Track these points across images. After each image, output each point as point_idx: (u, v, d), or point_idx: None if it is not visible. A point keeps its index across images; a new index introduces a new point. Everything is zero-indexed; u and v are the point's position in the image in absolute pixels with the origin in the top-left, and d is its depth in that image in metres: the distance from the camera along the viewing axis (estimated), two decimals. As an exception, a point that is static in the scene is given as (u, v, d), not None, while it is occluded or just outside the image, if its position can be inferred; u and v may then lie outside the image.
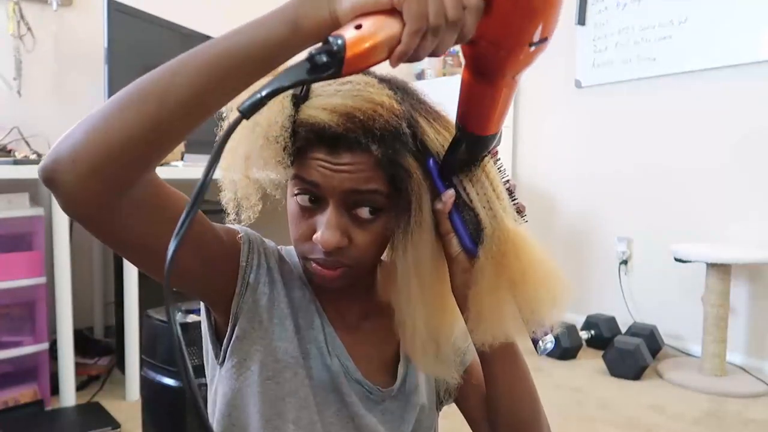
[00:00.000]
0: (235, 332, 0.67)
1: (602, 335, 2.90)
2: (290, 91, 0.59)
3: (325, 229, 0.61)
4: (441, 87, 3.15)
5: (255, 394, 0.68)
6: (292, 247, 0.76)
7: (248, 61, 0.47)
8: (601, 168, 3.25)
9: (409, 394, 0.76)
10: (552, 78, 3.46)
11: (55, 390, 2.08)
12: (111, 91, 2.21)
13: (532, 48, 0.49)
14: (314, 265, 0.64)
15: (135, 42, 2.33)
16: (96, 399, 2.15)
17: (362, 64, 0.44)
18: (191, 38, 2.61)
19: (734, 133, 2.73)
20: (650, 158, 3.03)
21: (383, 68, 0.67)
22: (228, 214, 0.67)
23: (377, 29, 0.43)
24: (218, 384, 0.71)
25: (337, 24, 0.45)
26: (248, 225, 0.69)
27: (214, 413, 0.72)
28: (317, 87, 0.61)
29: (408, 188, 0.61)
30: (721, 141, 2.77)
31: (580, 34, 3.31)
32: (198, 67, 0.47)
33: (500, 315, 0.62)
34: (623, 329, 2.94)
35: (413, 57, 0.45)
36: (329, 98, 0.59)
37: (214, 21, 2.81)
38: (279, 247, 0.76)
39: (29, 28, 2.43)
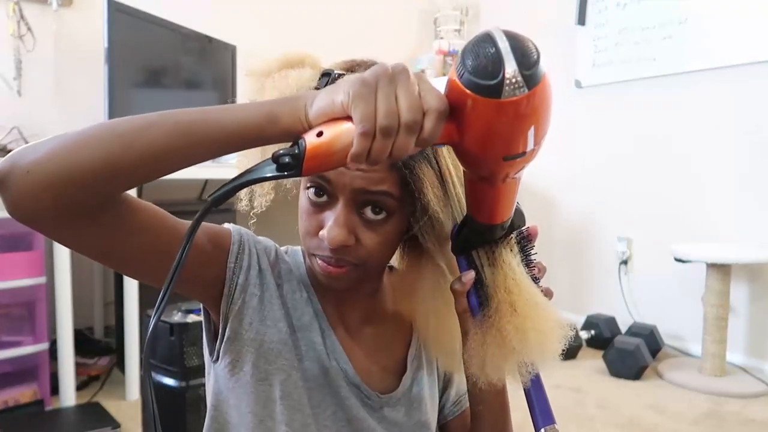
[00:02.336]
0: (226, 333, 0.67)
1: (602, 335, 2.90)
2: (314, 86, 0.62)
3: (333, 225, 0.60)
4: (441, 87, 3.14)
5: (248, 395, 0.68)
6: (299, 248, 0.76)
7: (222, 136, 0.49)
8: (601, 168, 3.25)
9: (411, 410, 0.75)
10: (552, 78, 3.43)
11: (55, 390, 2.08)
12: (111, 91, 2.20)
13: (508, 161, 0.48)
14: (320, 261, 0.64)
15: (135, 42, 2.33)
16: (96, 399, 2.15)
17: (320, 168, 0.48)
18: (191, 38, 2.61)
19: (734, 133, 2.73)
20: (650, 158, 3.03)
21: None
22: (240, 200, 0.68)
23: (335, 137, 0.46)
24: (213, 380, 0.72)
25: (308, 125, 0.48)
26: (260, 213, 0.69)
27: (210, 409, 0.73)
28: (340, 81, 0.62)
29: (422, 194, 0.60)
30: (721, 141, 2.77)
31: (580, 34, 3.31)
32: (174, 125, 0.49)
33: (489, 352, 0.60)
34: (623, 329, 2.94)
35: (370, 160, 0.46)
36: None
37: (214, 21, 2.82)
38: (284, 247, 0.75)
39: (29, 28, 2.43)
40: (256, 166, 0.48)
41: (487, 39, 0.44)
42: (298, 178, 0.67)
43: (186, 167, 0.51)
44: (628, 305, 3.09)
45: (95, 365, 2.43)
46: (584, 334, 2.92)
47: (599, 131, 3.26)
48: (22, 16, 2.40)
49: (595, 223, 3.30)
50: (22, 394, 2.03)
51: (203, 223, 0.65)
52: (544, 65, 0.46)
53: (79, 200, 0.50)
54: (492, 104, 0.44)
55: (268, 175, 0.48)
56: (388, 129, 0.44)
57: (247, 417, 0.68)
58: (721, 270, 2.47)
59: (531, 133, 0.47)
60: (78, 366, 2.15)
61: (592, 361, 2.73)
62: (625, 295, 3.11)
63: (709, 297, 2.50)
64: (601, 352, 2.69)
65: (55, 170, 0.48)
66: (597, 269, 3.28)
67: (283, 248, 0.76)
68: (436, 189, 0.61)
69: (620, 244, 3.15)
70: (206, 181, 2.74)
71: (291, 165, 0.47)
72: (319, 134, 0.46)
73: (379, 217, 0.62)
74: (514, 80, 0.43)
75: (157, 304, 0.49)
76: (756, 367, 2.63)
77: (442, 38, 3.67)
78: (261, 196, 0.68)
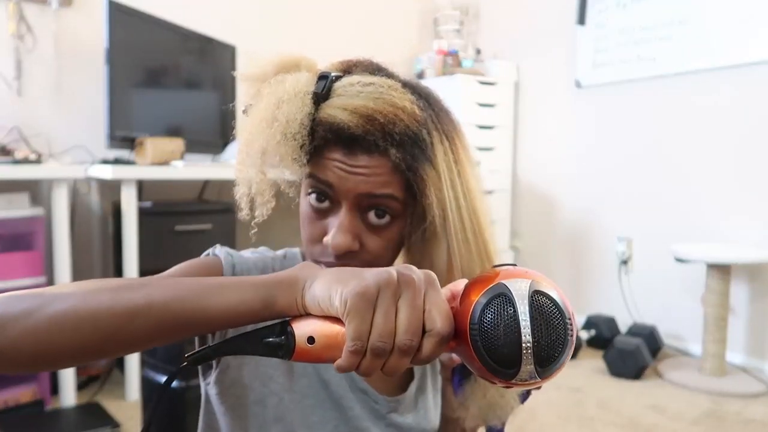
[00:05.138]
0: (219, 365, 0.67)
1: (602, 335, 2.90)
2: (311, 89, 0.59)
3: (337, 231, 0.59)
4: (440, 87, 3.14)
5: (242, 417, 0.67)
6: (297, 250, 0.75)
7: (214, 323, 0.46)
8: (601, 168, 3.25)
9: (418, 417, 0.75)
10: (552, 78, 3.47)
11: (55, 390, 2.08)
12: (111, 91, 2.20)
13: (502, 385, 0.46)
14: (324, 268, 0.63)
15: (135, 42, 2.33)
16: (96, 399, 2.15)
17: (308, 362, 0.46)
18: (191, 38, 2.61)
19: (734, 133, 2.73)
20: (650, 158, 3.03)
21: (398, 67, 0.67)
22: (241, 209, 0.66)
23: (324, 346, 0.44)
24: (205, 399, 0.71)
25: (303, 310, 0.46)
26: (261, 221, 0.67)
27: (202, 427, 0.72)
28: (339, 86, 0.60)
29: (424, 196, 0.60)
30: (721, 141, 2.77)
31: (580, 34, 3.31)
32: (162, 318, 0.45)
33: (471, 411, 0.62)
34: (623, 329, 2.94)
35: (358, 373, 0.43)
36: (351, 99, 0.58)
37: (214, 21, 2.82)
38: (282, 251, 0.74)
39: (29, 28, 2.43)
40: (241, 337, 0.46)
41: (511, 316, 0.40)
42: (298, 183, 0.67)
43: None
44: (628, 305, 3.09)
45: (95, 365, 2.43)
46: (584, 334, 2.92)
47: (599, 131, 3.26)
48: (22, 16, 2.40)
49: (595, 223, 3.30)
50: (22, 394, 2.03)
51: (192, 267, 0.64)
52: (571, 343, 0.41)
53: (59, 368, 0.47)
54: (498, 380, 0.42)
55: (255, 352, 0.46)
56: (379, 351, 0.41)
57: None
58: (721, 270, 2.46)
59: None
60: (78, 366, 2.15)
61: (592, 361, 2.73)
62: (625, 295, 3.11)
63: (709, 297, 2.50)
64: (601, 352, 2.69)
65: (28, 355, 0.44)
66: (597, 269, 3.27)
67: (280, 252, 0.74)
68: (438, 192, 0.61)
69: (620, 244, 3.15)
70: (206, 182, 2.74)
71: (278, 353, 0.46)
72: (311, 340, 0.44)
73: (384, 221, 0.61)
74: (528, 376, 0.40)
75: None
76: (756, 367, 2.63)
77: (442, 38, 3.67)
78: (262, 205, 0.65)
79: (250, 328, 0.46)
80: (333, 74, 0.61)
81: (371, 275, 0.43)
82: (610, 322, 2.96)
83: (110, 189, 2.44)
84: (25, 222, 2.05)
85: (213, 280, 0.48)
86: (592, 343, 2.92)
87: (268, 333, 0.46)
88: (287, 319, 0.46)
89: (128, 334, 0.45)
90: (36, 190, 2.27)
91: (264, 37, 2.96)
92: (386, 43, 3.55)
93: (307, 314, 0.46)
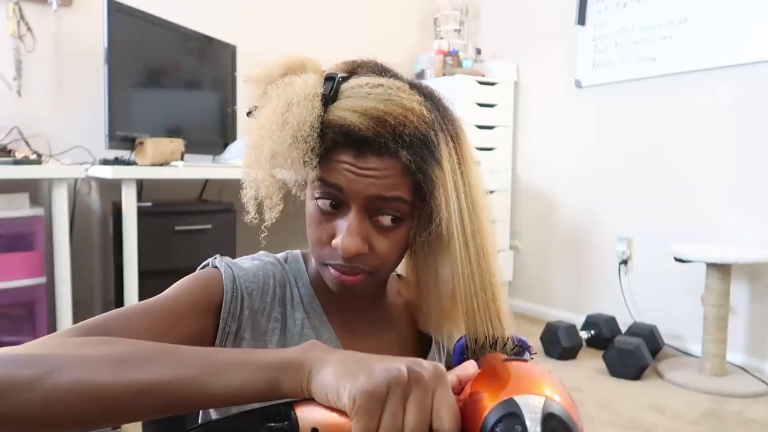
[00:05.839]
0: None
1: (602, 335, 2.90)
2: (320, 91, 0.59)
3: (346, 234, 0.59)
4: (440, 87, 3.15)
5: None
6: (298, 252, 0.74)
7: (216, 403, 0.47)
8: (601, 168, 3.25)
9: None
10: (552, 78, 3.47)
11: (55, 390, 2.07)
12: (111, 91, 2.20)
13: None
14: (332, 270, 0.62)
15: (135, 42, 2.33)
16: (96, 399, 2.15)
17: None
18: (191, 38, 2.61)
19: (734, 133, 2.73)
20: (650, 158, 3.03)
21: (398, 67, 0.67)
22: (248, 213, 0.65)
23: None
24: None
25: (308, 395, 0.46)
26: (260, 222, 0.65)
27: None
28: (347, 88, 0.60)
29: (432, 198, 0.60)
30: (721, 141, 2.77)
31: (580, 34, 3.31)
32: (166, 398, 0.45)
33: None
34: (623, 329, 2.94)
35: None
36: (360, 100, 0.58)
37: (214, 21, 2.82)
38: (283, 254, 0.73)
39: (29, 28, 2.43)
40: (244, 417, 0.46)
41: None
42: (304, 185, 0.66)
43: None
44: (628, 305, 3.09)
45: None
46: (584, 334, 2.92)
47: (599, 131, 3.26)
48: (22, 16, 2.40)
49: (595, 223, 3.30)
50: (22, 394, 2.03)
51: (192, 283, 0.64)
52: None
53: None
54: None
55: (255, 431, 0.46)
56: None
57: None
58: (721, 270, 2.46)
59: None
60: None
61: (592, 361, 2.73)
62: (625, 295, 3.11)
63: (709, 297, 2.50)
64: (601, 352, 2.69)
65: (32, 424, 0.44)
66: (597, 269, 3.28)
67: (281, 255, 0.74)
68: (445, 193, 0.60)
69: (620, 244, 3.15)
70: (206, 182, 2.74)
71: None
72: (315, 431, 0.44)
73: (392, 223, 0.61)
74: None
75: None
76: (756, 367, 2.63)
77: (442, 38, 3.67)
78: (271, 208, 0.64)
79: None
80: (339, 75, 0.61)
81: (380, 371, 0.43)
82: (610, 322, 2.96)
83: (110, 189, 2.44)
84: (25, 222, 2.05)
85: (220, 355, 0.48)
86: (592, 343, 2.92)
87: (272, 415, 0.45)
88: (291, 401, 0.46)
89: (132, 411, 0.45)
90: (36, 190, 2.27)
91: (264, 37, 2.96)
92: (386, 43, 3.55)
93: (312, 399, 0.46)
